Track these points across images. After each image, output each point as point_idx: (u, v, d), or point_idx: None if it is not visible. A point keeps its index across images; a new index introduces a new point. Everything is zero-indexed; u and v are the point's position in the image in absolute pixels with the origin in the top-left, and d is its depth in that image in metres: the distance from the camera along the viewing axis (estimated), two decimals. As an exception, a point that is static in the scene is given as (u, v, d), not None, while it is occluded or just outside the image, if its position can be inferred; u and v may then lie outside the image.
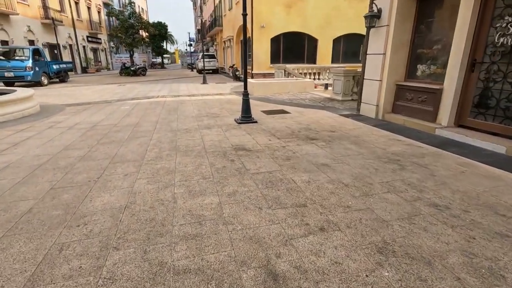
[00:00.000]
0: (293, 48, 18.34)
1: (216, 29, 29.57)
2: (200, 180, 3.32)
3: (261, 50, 17.41)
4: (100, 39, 34.13)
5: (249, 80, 12.13)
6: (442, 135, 5.05)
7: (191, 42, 41.84)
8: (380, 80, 6.38)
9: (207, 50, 40.78)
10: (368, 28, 6.43)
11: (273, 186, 3.12)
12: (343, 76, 9.13)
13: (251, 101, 9.87)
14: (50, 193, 3.01)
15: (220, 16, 28.22)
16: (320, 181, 3.25)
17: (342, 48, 19.10)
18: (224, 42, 27.42)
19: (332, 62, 18.94)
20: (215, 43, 35.46)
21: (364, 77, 6.89)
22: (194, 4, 60.24)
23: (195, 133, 5.48)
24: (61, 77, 18.02)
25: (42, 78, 15.55)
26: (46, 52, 22.98)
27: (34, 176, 3.45)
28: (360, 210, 2.61)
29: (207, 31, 36.52)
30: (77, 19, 28.67)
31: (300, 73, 15.70)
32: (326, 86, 12.69)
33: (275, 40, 17.56)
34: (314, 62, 18.61)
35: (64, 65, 18.61)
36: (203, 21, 42.08)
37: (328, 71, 16.01)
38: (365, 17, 6.37)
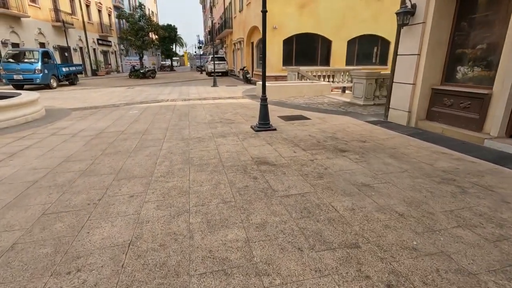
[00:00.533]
0: (306, 50, 17.75)
1: (225, 31, 29.22)
2: (220, 204, 2.76)
3: (273, 52, 16.87)
4: (110, 41, 34.18)
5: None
6: (494, 147, 4.38)
7: (200, 45, 41.65)
8: (413, 84, 5.74)
9: (216, 52, 40.51)
10: (401, 26, 5.81)
11: (310, 216, 2.54)
12: (365, 79, 8.49)
13: None
14: (41, 221, 2.49)
15: (230, 18, 27.87)
16: (366, 208, 2.65)
17: (357, 49, 18.40)
18: (234, 44, 27.01)
19: (347, 64, 18.24)
20: (224, 46, 35.15)
21: (394, 80, 6.25)
22: (204, 7, 60.36)
23: (209, 142, 4.94)
24: (70, 79, 17.84)
25: (51, 80, 15.34)
26: (57, 55, 22.99)
27: (26, 197, 2.95)
28: (431, 255, 2.00)
29: (217, 34, 36.27)
30: (87, 22, 28.71)
31: (314, 75, 15.10)
32: (344, 89, 12.05)
33: (287, 42, 17.00)
34: (328, 64, 17.96)
35: (74, 68, 18.44)
36: (213, 22, 41.97)
37: (342, 73, 15.37)
38: (397, 14, 5.75)
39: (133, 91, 14.19)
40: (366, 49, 18.67)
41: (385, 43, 18.59)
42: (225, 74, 27.37)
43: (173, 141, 5.04)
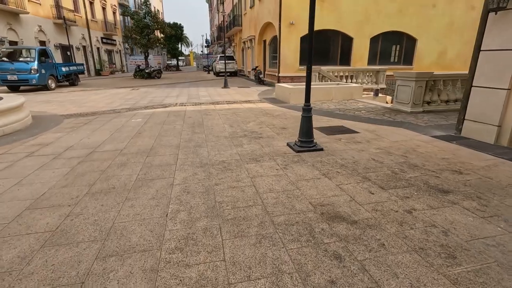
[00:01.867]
0: (325, 48, 16.27)
1: (234, 29, 27.86)
2: None
3: (289, 50, 15.44)
4: (115, 40, 33.06)
5: (283, 84, 10.20)
6: None
7: (207, 44, 40.37)
8: (508, 89, 4.28)
9: (223, 51, 39.25)
10: (491, 10, 4.34)
11: None
12: (414, 80, 7.02)
13: (290, 112, 7.96)
14: None
15: (239, 15, 26.50)
16: None
17: (380, 48, 16.88)
18: (244, 42, 25.63)
19: (368, 64, 16.75)
20: (233, 44, 33.79)
21: (474, 84, 4.78)
22: (210, 5, 59.12)
23: (239, 171, 3.54)
24: (71, 80, 16.62)
25: (49, 81, 14.12)
26: (58, 54, 21.87)
27: None
28: None
29: (225, 32, 34.94)
30: (91, 20, 27.59)
31: (335, 76, 13.65)
32: (377, 92, 10.57)
33: (305, 39, 15.55)
34: (348, 64, 16.47)
35: (75, 67, 17.22)
36: (223, 18, 40.64)
37: (369, 74, 13.89)
38: (488, -6, 4.29)
39: (138, 93, 12.88)
40: (390, 47, 17.13)
41: (410, 40, 17.03)
42: (234, 74, 26.00)
43: (189, 168, 3.66)
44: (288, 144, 4.59)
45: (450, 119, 6.41)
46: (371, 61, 16.88)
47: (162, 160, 3.97)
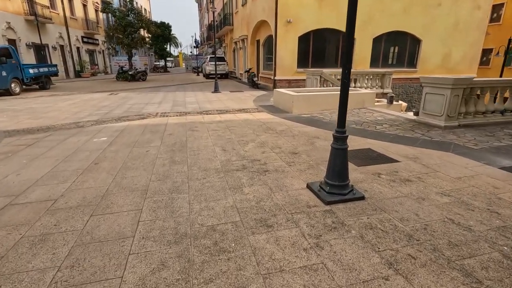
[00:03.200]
0: (324, 49, 14.96)
1: (225, 29, 26.33)
2: None
3: (287, 51, 14.04)
4: (97, 40, 31.00)
5: (283, 90, 8.75)
6: None
7: (197, 44, 38.69)
8: None
9: (213, 52, 37.67)
10: None
11: None
12: (450, 88, 5.68)
13: (297, 125, 6.50)
14: None
15: (230, 14, 25.03)
16: None
17: (382, 49, 15.68)
18: (236, 43, 24.15)
19: (371, 66, 15.53)
20: (223, 44, 32.26)
21: None
22: (199, 5, 57.42)
23: (242, 256, 2.04)
24: (41, 83, 14.75)
25: (12, 85, 12.28)
26: (31, 54, 19.87)
27: None
28: None
29: (215, 31, 33.37)
30: (70, 17, 25.55)
31: (338, 79, 12.33)
32: (391, 99, 9.23)
33: (303, 39, 14.18)
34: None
35: (46, 69, 15.34)
36: (213, 15, 38.96)
37: (372, 77, 12.63)
38: None
39: (115, 99, 11.21)
40: (393, 48, 15.96)
41: (414, 41, 15.91)
42: (225, 76, 24.44)
43: (153, 248, 2.14)
44: (309, 187, 3.13)
45: (499, 137, 5.10)
46: (373, 63, 15.68)
47: (113, 225, 2.44)
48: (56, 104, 10.03)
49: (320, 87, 11.84)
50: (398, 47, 16.03)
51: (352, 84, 12.54)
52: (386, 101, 9.17)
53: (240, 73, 23.46)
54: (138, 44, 22.26)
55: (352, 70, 13.31)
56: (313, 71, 11.82)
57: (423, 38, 15.69)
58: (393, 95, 9.21)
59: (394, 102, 9.21)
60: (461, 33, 16.04)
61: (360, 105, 8.38)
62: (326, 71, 11.93)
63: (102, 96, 12.24)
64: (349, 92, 7.30)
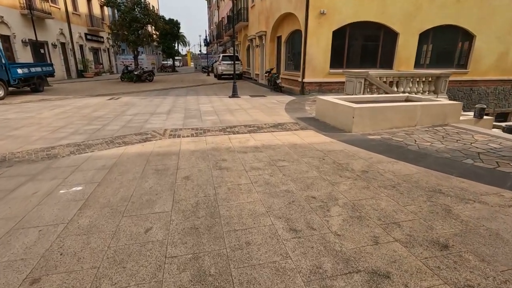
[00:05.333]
0: (362, 46, 12.68)
1: (239, 25, 24.15)
2: None
3: (319, 48, 11.80)
4: (102, 37, 29.19)
5: (333, 99, 6.53)
6: None
7: (206, 43, 36.66)
8: None
9: (224, 51, 35.64)
10: None
11: None
12: None
13: (370, 156, 4.26)
14: None
15: (245, 8, 22.87)
16: None
17: (430, 46, 13.31)
18: (251, 40, 21.98)
19: (415, 66, 13.19)
20: (236, 42, 30.09)
21: None
22: (209, 2, 55.43)
23: None
24: (33, 85, 12.82)
25: (-5, 88, 10.35)
26: (27, 52, 18.04)
27: None
28: None
29: (225, 30, 31.31)
30: (72, 13, 23.74)
31: (384, 82, 10.08)
32: (480, 113, 6.88)
33: (338, 34, 11.93)
34: (390, 67, 12.89)
35: (39, 69, 13.38)
36: (221, 18, 36.87)
37: (423, 80, 10.37)
38: None
39: (114, 107, 9.17)
40: (442, 46, 13.56)
41: (467, 37, 13.50)
42: (238, 77, 22.30)
43: None
44: None
45: None
46: (417, 63, 13.32)
47: None
48: (40, 113, 8.02)
49: (363, 93, 9.62)
50: (447, 44, 13.63)
51: (394, 88, 10.30)
52: (472, 115, 6.86)
53: (256, 74, 21.29)
54: (144, 41, 20.27)
55: (393, 72, 10.99)
56: (356, 73, 9.56)
57: (477, 33, 13.26)
58: (484, 106, 6.88)
59: (485, 117, 6.90)
60: (522, 29, 13.56)
61: (441, 120, 6.12)
62: (373, 73, 9.67)
63: (100, 102, 10.21)
64: (424, 103, 4.87)
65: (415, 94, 10.37)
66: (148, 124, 6.58)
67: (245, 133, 5.67)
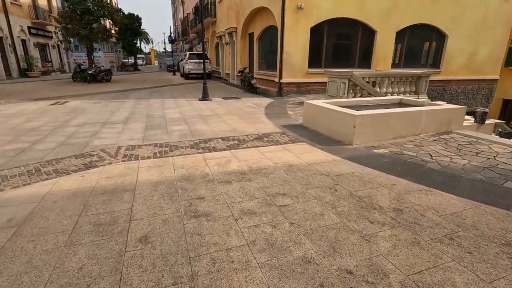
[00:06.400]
0: (340, 44, 12.01)
1: (206, 21, 22.60)
2: None
3: (296, 45, 10.89)
4: (51, 32, 25.90)
5: (327, 105, 5.57)
6: None
7: (172, 39, 34.48)
8: None
9: (191, 49, 33.77)
10: None
11: None
12: None
13: (390, 181, 3.16)
14: None
15: (212, 3, 21.42)
16: None
17: (405, 45, 13.03)
18: (220, 37, 20.65)
19: (392, 66, 12.84)
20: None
21: None
22: (173, -3, 52.63)
23: None
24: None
25: None
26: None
27: None
28: None
29: (191, 27, 29.48)
30: (12, 2, 20.57)
31: (367, 82, 9.45)
32: (483, 117, 6.31)
33: (316, 31, 11.10)
34: (368, 66, 12.39)
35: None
36: (187, 14, 34.80)
37: (403, 80, 9.92)
38: None
39: (57, 113, 7.44)
40: (415, 44, 13.38)
41: (440, 37, 13.44)
42: (208, 76, 20.84)
43: None
44: None
45: None
46: (395, 62, 13.00)
47: None
48: (-51, 125, 6.11)
49: (347, 95, 8.88)
50: (421, 44, 13.51)
51: (377, 89, 9.72)
52: (472, 119, 6.30)
53: (227, 73, 20.00)
54: (99, 37, 18.03)
55: (376, 72, 10.37)
56: (340, 73, 8.76)
57: (449, 33, 13.24)
58: (486, 110, 6.36)
59: (487, 121, 6.36)
60: (490, 29, 13.83)
61: (446, 127, 5.42)
62: (357, 73, 8.94)
63: (39, 108, 8.35)
64: (429, 108, 3.95)
65: (397, 95, 9.91)
66: (97, 139, 5.11)
67: (225, 149, 4.48)
